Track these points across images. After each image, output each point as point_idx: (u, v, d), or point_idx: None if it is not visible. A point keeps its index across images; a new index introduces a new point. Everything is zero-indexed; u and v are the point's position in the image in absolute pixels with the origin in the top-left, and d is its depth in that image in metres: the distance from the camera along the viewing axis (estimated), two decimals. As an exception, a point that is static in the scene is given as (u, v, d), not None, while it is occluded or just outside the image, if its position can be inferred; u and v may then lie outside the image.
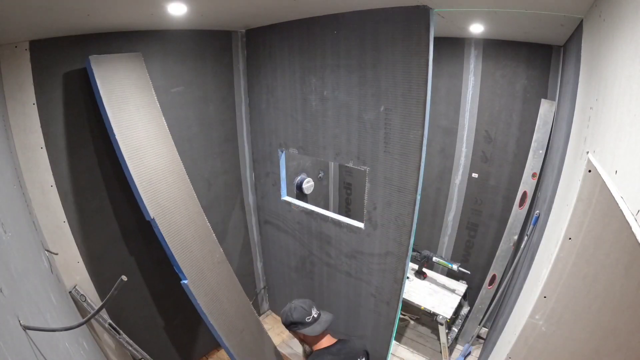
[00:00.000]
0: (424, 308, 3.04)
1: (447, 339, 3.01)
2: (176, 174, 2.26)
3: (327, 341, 1.76)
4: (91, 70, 1.90)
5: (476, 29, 2.42)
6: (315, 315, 1.75)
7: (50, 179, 1.97)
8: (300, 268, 3.16)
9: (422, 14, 1.82)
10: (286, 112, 2.69)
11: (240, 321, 2.48)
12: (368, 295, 2.69)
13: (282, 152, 2.89)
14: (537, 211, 2.40)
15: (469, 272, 3.09)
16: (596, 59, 1.29)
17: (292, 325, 1.74)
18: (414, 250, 3.03)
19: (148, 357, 2.36)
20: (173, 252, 2.07)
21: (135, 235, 2.46)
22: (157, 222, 2.02)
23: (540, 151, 2.70)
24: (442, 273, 3.51)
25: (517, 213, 2.92)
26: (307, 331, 1.71)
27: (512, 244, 2.98)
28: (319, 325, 1.73)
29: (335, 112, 2.38)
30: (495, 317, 2.99)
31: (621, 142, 0.84)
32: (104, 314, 2.30)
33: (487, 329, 3.26)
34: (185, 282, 2.11)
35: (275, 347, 2.86)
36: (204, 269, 2.28)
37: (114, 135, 1.94)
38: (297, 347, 3.34)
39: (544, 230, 1.92)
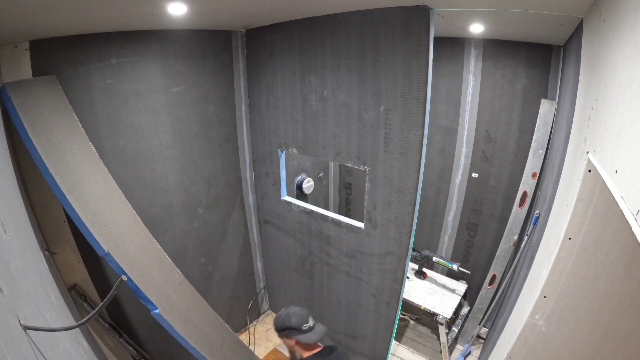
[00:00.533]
0: (424, 308, 3.04)
1: (447, 338, 3.01)
2: (117, 201, 2.09)
3: (315, 348, 1.76)
4: (9, 99, 1.65)
5: (476, 29, 2.42)
6: (312, 325, 1.73)
7: (50, 179, 1.97)
8: (300, 268, 3.16)
9: (422, 14, 1.82)
10: (286, 112, 2.69)
11: (217, 336, 2.41)
12: (368, 295, 2.69)
13: (282, 152, 2.88)
14: (537, 211, 2.40)
15: (469, 272, 3.09)
16: (596, 59, 1.29)
17: (287, 330, 1.71)
18: (414, 250, 3.03)
19: (148, 357, 2.36)
20: (136, 282, 1.87)
21: (135, 235, 2.46)
22: (112, 255, 1.80)
23: (540, 151, 2.70)
24: (442, 273, 3.51)
25: (517, 213, 2.92)
26: (303, 338, 1.69)
27: (512, 244, 2.98)
28: (315, 335, 1.71)
29: (335, 112, 2.38)
30: (495, 317, 2.99)
31: (621, 142, 0.84)
32: (104, 313, 2.30)
33: (487, 329, 3.26)
34: (157, 311, 1.95)
35: (251, 352, 2.86)
36: (169, 293, 2.12)
37: (46, 170, 1.69)
38: (297, 347, 3.34)
39: (544, 230, 1.92)
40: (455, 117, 3.14)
